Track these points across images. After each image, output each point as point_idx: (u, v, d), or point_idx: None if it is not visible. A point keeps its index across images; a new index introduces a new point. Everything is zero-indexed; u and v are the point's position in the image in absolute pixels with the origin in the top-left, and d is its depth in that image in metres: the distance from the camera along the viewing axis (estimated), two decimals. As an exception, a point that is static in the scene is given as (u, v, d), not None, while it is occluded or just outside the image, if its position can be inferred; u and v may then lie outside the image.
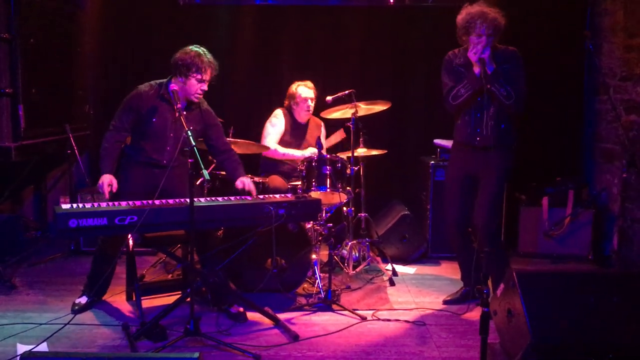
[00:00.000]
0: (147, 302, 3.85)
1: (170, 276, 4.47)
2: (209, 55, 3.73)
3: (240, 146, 4.55)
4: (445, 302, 4.02)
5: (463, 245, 3.98)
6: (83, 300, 3.83)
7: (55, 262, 4.85)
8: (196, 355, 2.25)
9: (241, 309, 3.70)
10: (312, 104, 4.82)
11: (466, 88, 3.67)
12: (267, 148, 4.73)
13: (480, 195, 3.82)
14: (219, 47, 5.50)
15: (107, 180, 3.57)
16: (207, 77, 3.70)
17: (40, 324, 3.56)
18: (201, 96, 3.81)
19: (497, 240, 3.92)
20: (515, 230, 5.18)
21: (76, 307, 3.78)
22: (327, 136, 5.13)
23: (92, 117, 5.52)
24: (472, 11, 3.66)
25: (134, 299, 3.89)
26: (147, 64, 5.49)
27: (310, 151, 4.72)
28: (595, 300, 2.62)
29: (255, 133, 4.94)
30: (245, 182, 3.79)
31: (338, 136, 5.06)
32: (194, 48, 3.69)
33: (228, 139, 4.45)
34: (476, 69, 3.63)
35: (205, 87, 3.74)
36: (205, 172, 3.11)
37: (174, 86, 3.60)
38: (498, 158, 3.75)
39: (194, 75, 3.67)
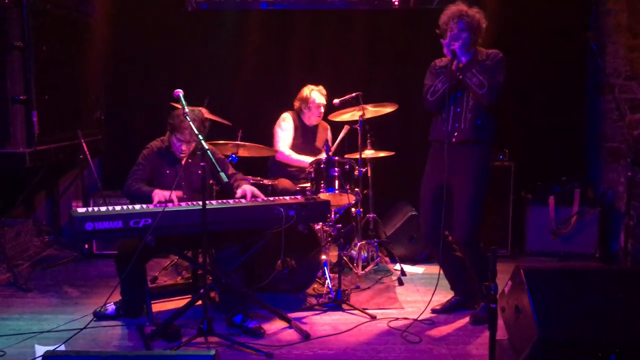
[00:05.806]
0: (158, 306, 3.89)
1: (179, 278, 4.54)
2: (194, 115, 3.62)
3: (249, 149, 4.61)
4: (433, 312, 3.90)
5: (443, 257, 3.88)
6: (110, 311, 3.82)
7: (68, 266, 4.92)
8: (212, 352, 2.32)
9: (259, 324, 3.62)
10: (323, 110, 4.87)
11: (442, 82, 3.66)
12: (277, 151, 4.79)
13: (457, 206, 3.70)
14: (227, 51, 5.63)
15: (160, 192, 3.62)
16: (184, 138, 3.80)
17: (58, 326, 3.63)
18: (185, 155, 3.90)
19: (476, 246, 3.73)
20: (523, 229, 5.22)
21: (99, 312, 3.80)
22: (334, 139, 5.04)
23: (103, 122, 5.61)
24: (448, 11, 3.67)
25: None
26: (157, 69, 5.59)
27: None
28: (602, 297, 2.66)
29: (262, 136, 4.99)
30: (246, 190, 3.79)
31: (343, 132, 4.96)
32: (185, 110, 3.46)
33: (236, 142, 4.51)
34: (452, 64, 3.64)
35: (184, 147, 3.85)
36: (224, 175, 3.17)
37: (177, 92, 3.52)
38: (474, 154, 3.67)
39: (175, 135, 3.82)
